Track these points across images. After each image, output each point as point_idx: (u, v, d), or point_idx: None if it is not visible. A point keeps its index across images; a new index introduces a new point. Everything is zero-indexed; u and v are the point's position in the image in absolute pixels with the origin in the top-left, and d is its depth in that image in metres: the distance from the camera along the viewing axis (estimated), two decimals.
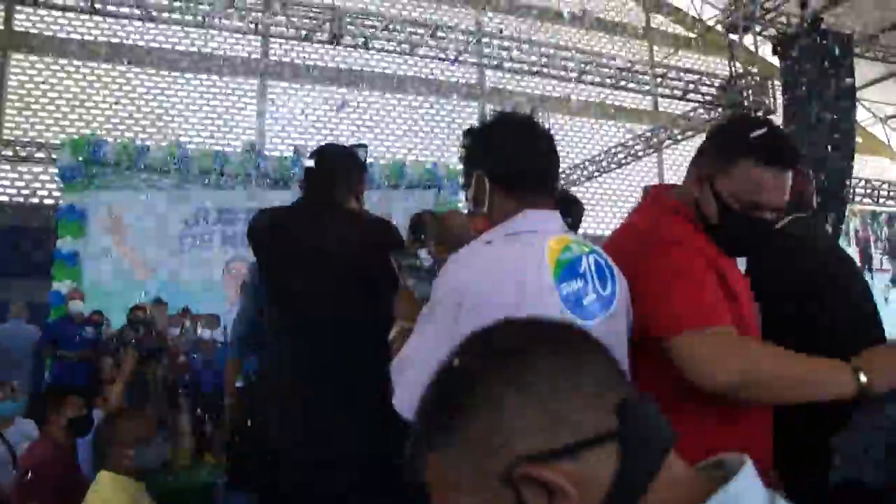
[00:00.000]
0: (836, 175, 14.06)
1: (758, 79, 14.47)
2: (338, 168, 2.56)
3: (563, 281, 1.51)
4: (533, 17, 18.29)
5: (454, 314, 1.45)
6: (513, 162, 1.67)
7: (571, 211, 3.24)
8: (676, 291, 1.56)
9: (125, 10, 11.45)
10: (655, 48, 19.55)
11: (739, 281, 1.74)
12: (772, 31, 15.27)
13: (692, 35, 19.42)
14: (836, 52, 14.47)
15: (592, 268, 1.57)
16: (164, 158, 12.31)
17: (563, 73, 14.10)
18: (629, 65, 15.18)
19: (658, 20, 20.38)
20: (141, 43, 15.67)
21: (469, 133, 1.78)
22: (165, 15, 11.56)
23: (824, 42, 14.10)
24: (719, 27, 15.81)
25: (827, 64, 13.98)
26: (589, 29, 18.98)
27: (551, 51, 13.95)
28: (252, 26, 12.06)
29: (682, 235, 1.70)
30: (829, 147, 13.60)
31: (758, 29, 15.10)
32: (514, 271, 1.49)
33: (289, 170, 12.49)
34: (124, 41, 15.60)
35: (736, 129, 1.75)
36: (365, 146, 2.92)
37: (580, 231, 3.20)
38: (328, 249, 2.29)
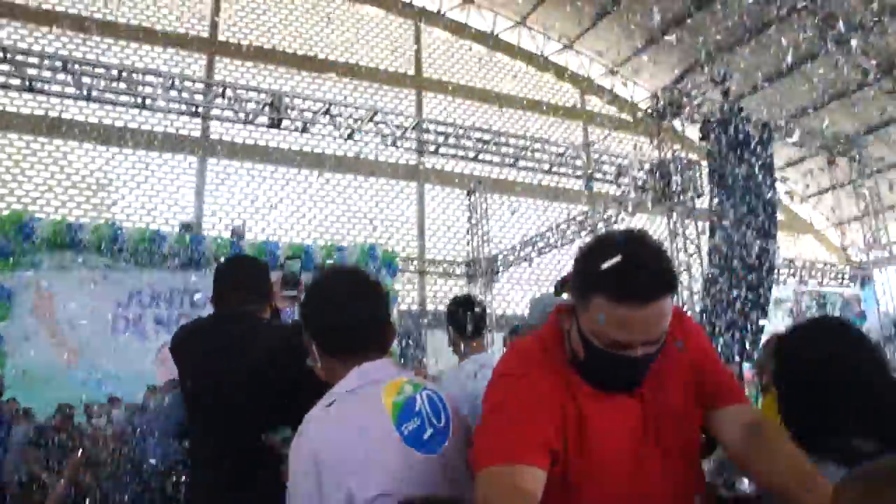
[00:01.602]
0: (761, 254, 14.67)
1: (685, 162, 15.08)
2: (246, 279, 2.59)
3: (402, 423, 1.61)
4: (472, 101, 18.92)
5: (315, 481, 1.53)
6: (324, 327, 1.76)
7: (472, 316, 3.35)
8: (489, 426, 1.54)
9: (64, 89, 11.36)
10: (591, 129, 20.30)
11: (614, 419, 1.58)
12: (697, 117, 16.08)
13: (626, 117, 20.26)
14: (756, 136, 15.31)
15: (426, 403, 1.68)
16: (98, 237, 12.08)
17: (497, 158, 14.52)
18: (564, 149, 15.68)
19: (594, 103, 21.24)
20: (79, 118, 15.53)
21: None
22: (106, 95, 11.54)
23: (745, 128, 14.91)
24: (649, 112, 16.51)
25: (748, 148, 14.74)
26: (526, 111, 19.67)
27: (487, 136, 14.36)
28: (193, 109, 12.10)
29: (527, 368, 1.60)
30: (753, 226, 14.20)
31: (685, 115, 15.90)
32: (358, 426, 1.58)
33: (226, 250, 12.37)
34: (62, 115, 15.44)
35: (589, 260, 1.53)
36: (300, 257, 2.98)
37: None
38: (233, 362, 2.31)
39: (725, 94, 15.13)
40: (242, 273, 2.63)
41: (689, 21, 18.38)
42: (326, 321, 1.75)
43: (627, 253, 1.44)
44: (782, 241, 20.74)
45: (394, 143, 12.92)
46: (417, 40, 19.38)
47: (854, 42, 17.41)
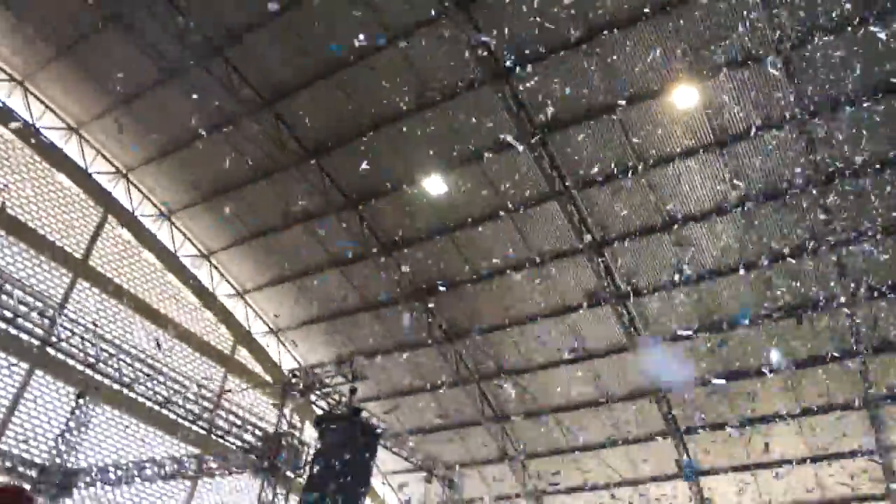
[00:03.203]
0: None
1: (297, 442, 15.79)
2: None
3: None
4: (130, 308, 18.51)
5: None
6: None
7: None
8: None
9: None
10: (230, 377, 20.55)
11: None
12: (323, 403, 17.24)
13: (268, 379, 20.95)
14: (368, 440, 16.63)
15: None
16: None
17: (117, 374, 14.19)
18: (193, 385, 15.71)
19: (242, 353, 21.77)
20: None
21: None
22: None
23: (359, 430, 16.20)
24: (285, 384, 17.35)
25: (356, 448, 15.90)
26: (177, 339, 19.58)
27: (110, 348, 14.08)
28: None
29: None
30: None
31: (312, 398, 17.00)
32: None
33: None
34: None
35: None
36: None
37: None
38: None
39: (352, 392, 16.59)
40: None
41: (354, 316, 20.41)
42: None
43: None
44: None
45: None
46: (99, 227, 18.91)
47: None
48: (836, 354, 16.93)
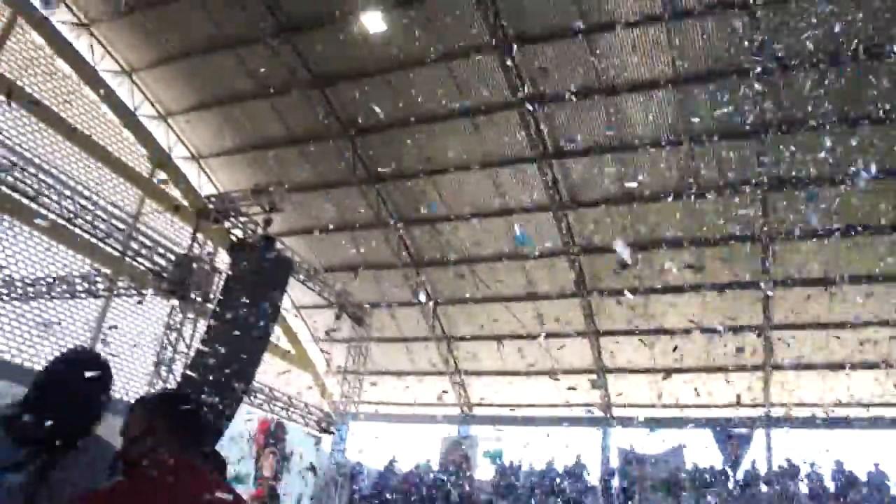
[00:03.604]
0: (240, 375, 15.62)
1: (207, 268, 15.79)
2: None
3: None
4: (39, 120, 17.59)
5: None
6: None
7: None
8: None
9: None
10: (147, 201, 20.10)
11: None
12: (239, 232, 17.17)
13: (184, 203, 20.55)
14: (281, 271, 16.77)
15: None
16: None
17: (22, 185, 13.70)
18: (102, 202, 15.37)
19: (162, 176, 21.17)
20: None
21: None
22: None
23: (272, 260, 16.28)
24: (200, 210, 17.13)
25: (268, 277, 16.05)
26: (92, 156, 18.87)
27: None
28: None
29: None
30: (244, 347, 15.16)
31: (227, 225, 16.86)
32: None
33: None
34: None
35: None
36: None
37: None
38: None
39: (268, 222, 16.50)
40: None
41: (278, 150, 19.95)
42: None
43: None
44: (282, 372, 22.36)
45: None
46: (7, 29, 17.54)
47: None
48: (739, 235, 17.58)
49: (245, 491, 17.94)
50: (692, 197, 17.06)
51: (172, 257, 16.25)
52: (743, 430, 20.51)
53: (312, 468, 20.20)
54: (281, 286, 16.34)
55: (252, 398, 18.09)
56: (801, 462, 19.26)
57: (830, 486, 18.66)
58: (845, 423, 18.40)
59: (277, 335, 22.95)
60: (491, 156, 18.39)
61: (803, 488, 18.90)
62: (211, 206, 16.67)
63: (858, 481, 18.27)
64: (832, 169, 15.25)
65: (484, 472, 22.96)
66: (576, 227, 19.39)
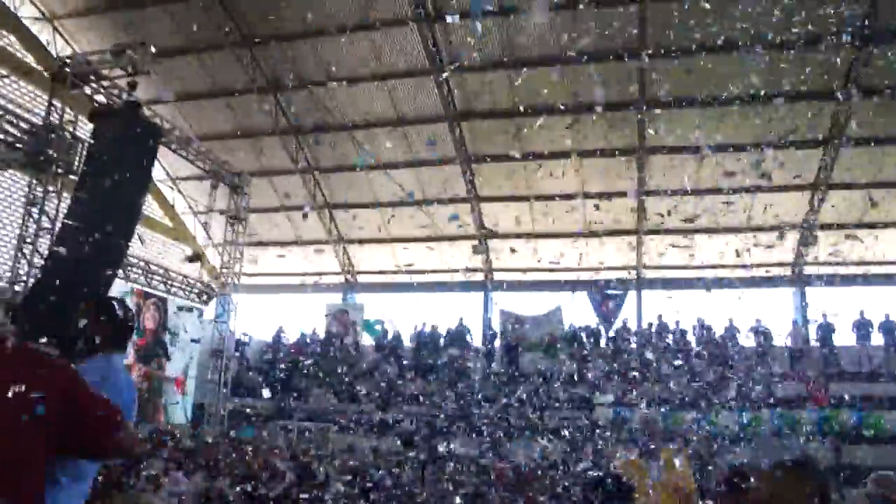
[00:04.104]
0: (114, 249, 15.04)
1: (69, 137, 14.76)
2: None
3: None
4: None
5: None
6: None
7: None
8: None
9: None
10: None
11: None
12: (103, 98, 15.94)
13: (38, 67, 18.78)
14: (148, 139, 15.90)
15: None
16: None
17: None
18: None
19: (9, 39, 19.17)
20: None
21: None
22: None
23: (138, 127, 15.35)
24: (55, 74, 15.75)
25: (132, 146, 15.18)
26: None
27: None
28: None
29: None
30: (112, 221, 14.48)
31: (88, 91, 15.60)
32: None
33: None
34: None
35: None
36: None
37: None
38: None
39: (132, 87, 15.42)
40: None
41: (143, 10, 18.25)
42: None
43: None
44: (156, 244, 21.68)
45: None
46: None
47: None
48: (616, 102, 17.98)
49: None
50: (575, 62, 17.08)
51: (27, 126, 15.03)
52: (617, 292, 21.87)
53: (196, 340, 20.08)
54: (149, 155, 15.51)
55: (127, 272, 17.54)
56: (668, 320, 21.01)
57: (692, 340, 20.53)
58: (704, 284, 19.83)
59: (151, 207, 22.06)
60: (369, 15, 17.61)
61: (671, 343, 20.65)
62: (67, 69, 15.30)
63: (715, 336, 20.26)
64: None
65: (369, 338, 23.58)
66: (458, 93, 19.28)
